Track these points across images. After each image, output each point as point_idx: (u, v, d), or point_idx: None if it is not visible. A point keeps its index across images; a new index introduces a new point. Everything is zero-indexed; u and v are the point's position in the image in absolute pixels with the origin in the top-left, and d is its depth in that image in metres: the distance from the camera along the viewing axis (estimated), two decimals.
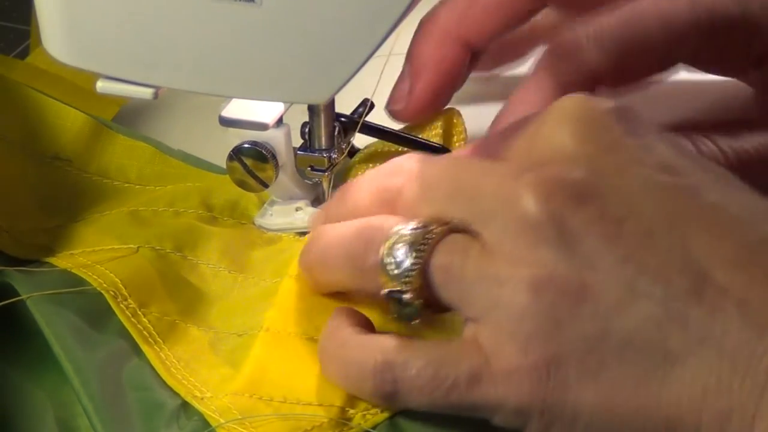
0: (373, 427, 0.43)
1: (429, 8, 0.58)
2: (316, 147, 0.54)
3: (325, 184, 0.55)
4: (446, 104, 0.58)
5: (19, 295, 0.49)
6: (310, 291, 0.49)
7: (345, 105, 0.55)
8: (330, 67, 0.45)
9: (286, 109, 0.53)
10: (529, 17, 0.58)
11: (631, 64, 0.53)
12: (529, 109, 0.49)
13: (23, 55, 0.86)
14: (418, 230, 0.42)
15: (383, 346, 0.42)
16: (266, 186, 0.53)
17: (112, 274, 0.51)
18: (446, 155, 0.51)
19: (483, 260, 0.40)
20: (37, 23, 0.49)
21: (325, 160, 0.54)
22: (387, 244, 0.42)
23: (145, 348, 0.48)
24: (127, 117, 0.68)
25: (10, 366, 0.49)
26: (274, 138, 0.53)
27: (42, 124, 0.59)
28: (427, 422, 0.43)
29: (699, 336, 0.38)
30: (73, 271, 0.51)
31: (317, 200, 0.56)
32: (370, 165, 0.58)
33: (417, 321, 0.42)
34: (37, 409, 0.47)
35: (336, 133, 0.54)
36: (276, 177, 0.53)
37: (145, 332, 0.48)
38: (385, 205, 0.45)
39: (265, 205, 0.56)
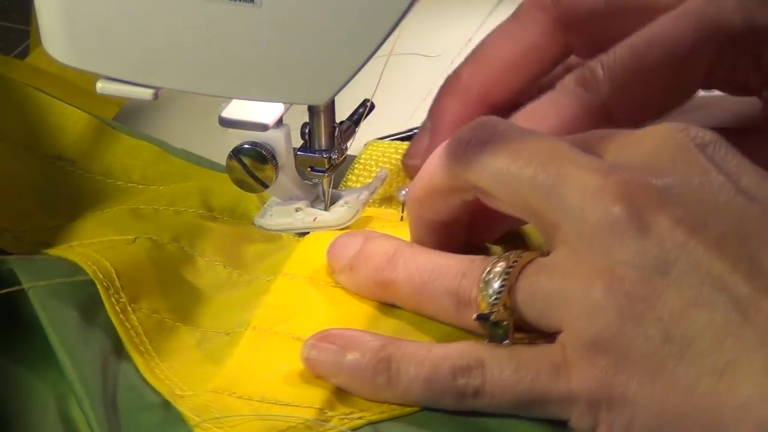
0: (352, 431, 0.43)
1: (430, 8, 0.58)
2: (316, 148, 0.54)
3: (325, 185, 0.55)
4: None
5: (21, 283, 0.48)
6: (303, 291, 0.49)
7: (345, 105, 0.55)
8: (330, 68, 0.45)
9: (286, 110, 0.53)
10: (552, 68, 0.57)
11: (643, 94, 0.53)
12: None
13: (23, 55, 0.86)
14: (510, 257, 0.44)
15: (471, 346, 0.44)
16: (266, 186, 0.53)
17: (107, 262, 0.50)
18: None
19: (562, 271, 0.42)
20: (37, 23, 0.49)
21: (325, 160, 0.54)
22: (483, 276, 0.44)
23: (130, 348, 0.47)
24: (127, 117, 0.68)
25: (10, 358, 0.49)
26: (274, 138, 0.53)
27: (45, 125, 0.59)
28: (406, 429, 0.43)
29: (752, 345, 0.39)
30: (68, 257, 0.50)
31: (317, 201, 0.56)
32: (373, 166, 0.59)
33: (508, 342, 0.44)
34: (38, 401, 0.47)
35: (336, 134, 0.54)
36: (276, 177, 0.53)
37: (132, 331, 0.48)
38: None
39: (265, 206, 0.56)
